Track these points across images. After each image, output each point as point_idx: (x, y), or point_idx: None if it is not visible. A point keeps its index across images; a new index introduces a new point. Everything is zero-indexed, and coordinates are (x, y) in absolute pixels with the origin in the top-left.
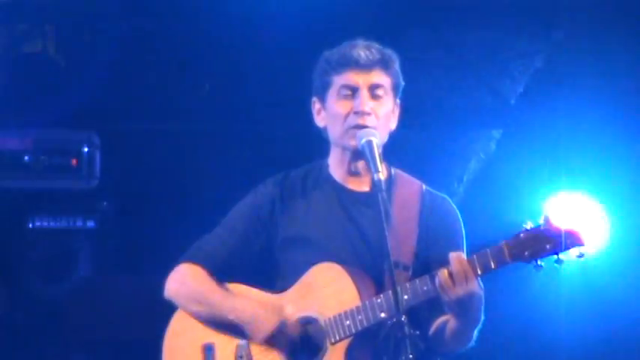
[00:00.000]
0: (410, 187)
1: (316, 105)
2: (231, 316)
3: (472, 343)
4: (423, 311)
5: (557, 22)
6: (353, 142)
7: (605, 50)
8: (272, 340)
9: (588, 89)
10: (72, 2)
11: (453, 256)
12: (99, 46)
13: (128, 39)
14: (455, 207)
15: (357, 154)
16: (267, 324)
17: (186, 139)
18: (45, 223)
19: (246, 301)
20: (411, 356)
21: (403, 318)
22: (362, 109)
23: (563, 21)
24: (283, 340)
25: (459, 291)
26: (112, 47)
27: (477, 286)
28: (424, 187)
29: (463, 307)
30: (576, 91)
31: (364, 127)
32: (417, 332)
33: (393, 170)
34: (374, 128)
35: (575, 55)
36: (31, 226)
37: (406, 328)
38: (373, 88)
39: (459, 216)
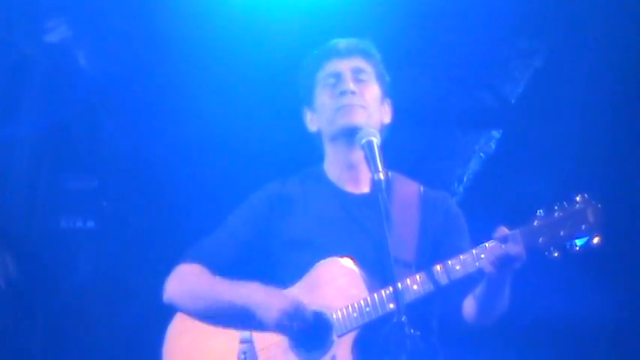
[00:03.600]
0: (408, 189)
1: (307, 113)
2: (240, 302)
3: None
4: (452, 295)
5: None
6: (341, 121)
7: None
8: (282, 324)
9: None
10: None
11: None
12: (98, 46)
13: (126, 38)
14: (453, 202)
15: (349, 137)
16: (278, 304)
17: (187, 141)
18: None
19: (253, 286)
20: (411, 357)
21: (403, 318)
22: (346, 87)
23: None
24: (292, 326)
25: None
26: (110, 48)
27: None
28: (422, 187)
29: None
30: (578, 91)
31: (351, 105)
32: (418, 332)
33: (390, 173)
34: (362, 107)
35: (576, 56)
36: None
37: (406, 328)
38: (356, 72)
39: (459, 210)
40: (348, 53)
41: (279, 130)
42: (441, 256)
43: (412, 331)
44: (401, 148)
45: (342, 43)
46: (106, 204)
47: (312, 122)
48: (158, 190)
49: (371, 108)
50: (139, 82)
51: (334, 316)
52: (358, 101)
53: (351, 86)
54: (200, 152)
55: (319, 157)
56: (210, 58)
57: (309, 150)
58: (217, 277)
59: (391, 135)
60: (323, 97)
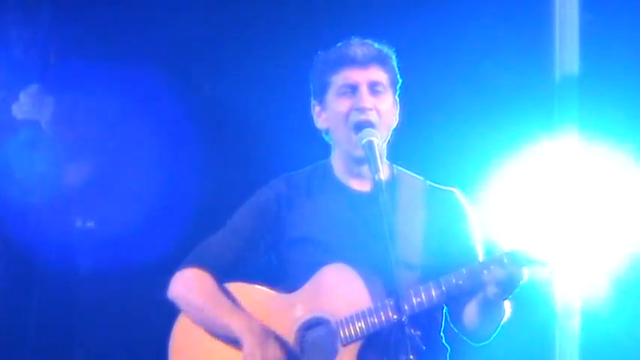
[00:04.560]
0: (413, 186)
1: (316, 108)
2: (232, 330)
3: None
4: (453, 304)
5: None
6: (359, 153)
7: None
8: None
9: None
10: None
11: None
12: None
13: (125, 38)
14: (463, 199)
15: (362, 160)
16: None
17: (188, 140)
18: None
19: (242, 321)
20: (411, 357)
21: (403, 319)
22: (363, 105)
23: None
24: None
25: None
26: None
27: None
28: (428, 183)
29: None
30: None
31: (367, 122)
32: (418, 333)
33: (395, 169)
34: (376, 125)
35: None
36: None
37: (407, 329)
38: (372, 85)
39: (469, 208)
40: (365, 62)
41: (284, 125)
42: (447, 256)
43: (413, 331)
44: (403, 146)
45: (359, 50)
46: (107, 203)
47: (322, 120)
48: (159, 189)
49: (383, 122)
50: (141, 80)
51: (338, 324)
52: (374, 118)
53: (369, 103)
54: (203, 148)
55: (326, 152)
56: (207, 54)
57: (316, 144)
58: (218, 294)
59: (394, 132)
60: (338, 105)
